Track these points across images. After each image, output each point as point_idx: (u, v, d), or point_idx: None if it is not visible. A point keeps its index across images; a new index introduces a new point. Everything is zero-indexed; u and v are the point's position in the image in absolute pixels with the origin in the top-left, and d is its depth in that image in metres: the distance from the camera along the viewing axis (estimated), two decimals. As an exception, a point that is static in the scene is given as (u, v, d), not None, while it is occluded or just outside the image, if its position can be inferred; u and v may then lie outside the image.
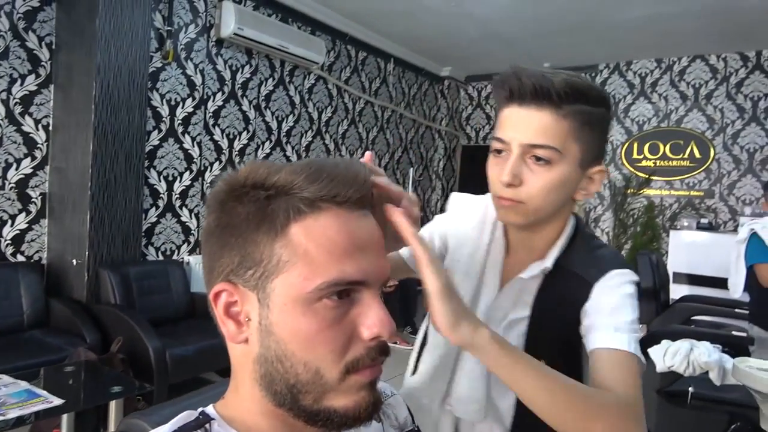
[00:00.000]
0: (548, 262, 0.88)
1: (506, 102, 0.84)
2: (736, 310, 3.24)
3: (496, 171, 0.85)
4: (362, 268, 0.52)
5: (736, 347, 2.63)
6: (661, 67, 5.86)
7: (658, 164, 5.85)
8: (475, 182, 6.28)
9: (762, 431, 1.74)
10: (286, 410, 0.53)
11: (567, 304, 0.86)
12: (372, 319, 0.52)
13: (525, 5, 4.49)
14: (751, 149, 5.43)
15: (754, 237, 2.85)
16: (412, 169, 6.37)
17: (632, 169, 5.97)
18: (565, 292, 0.87)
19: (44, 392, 2.15)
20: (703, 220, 5.27)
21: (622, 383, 0.76)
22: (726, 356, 2.47)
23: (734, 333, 2.94)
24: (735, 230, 4.85)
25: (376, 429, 0.67)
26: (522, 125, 0.82)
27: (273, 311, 0.51)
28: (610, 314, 0.81)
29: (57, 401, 2.08)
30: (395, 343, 4.69)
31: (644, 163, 5.93)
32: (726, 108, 5.53)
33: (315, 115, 5.07)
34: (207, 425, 0.54)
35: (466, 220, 1.01)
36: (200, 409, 0.56)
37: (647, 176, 5.65)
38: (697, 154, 5.63)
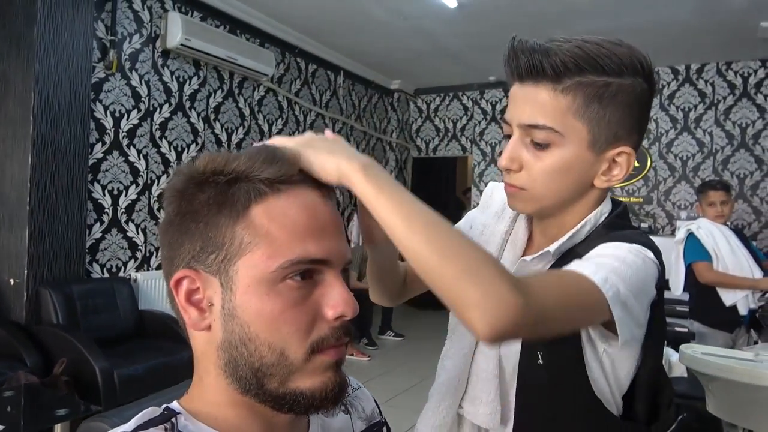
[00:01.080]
0: (552, 246, 0.77)
1: (510, 80, 0.76)
2: (677, 307, 3.41)
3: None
4: (324, 247, 0.53)
5: (679, 342, 2.77)
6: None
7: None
8: (427, 193, 6.32)
9: (708, 417, 1.83)
10: (252, 396, 0.53)
11: None
12: (335, 298, 0.53)
13: (470, 20, 4.63)
14: (684, 157, 5.76)
15: (691, 237, 3.02)
16: (364, 180, 6.39)
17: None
18: None
19: (-19, 419, 2.02)
20: (644, 225, 5.53)
21: (543, 281, 0.64)
22: (670, 350, 2.58)
23: (676, 329, 3.09)
24: (673, 234, 5.11)
25: (344, 420, 0.67)
26: (519, 104, 0.74)
27: (236, 294, 0.51)
28: (587, 257, 0.69)
29: (-4, 428, 1.96)
30: (351, 355, 4.66)
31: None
32: (660, 118, 5.85)
33: (265, 128, 5.02)
34: (173, 419, 0.52)
35: (488, 209, 0.93)
36: (164, 405, 0.55)
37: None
38: (635, 163, 5.92)
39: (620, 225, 0.79)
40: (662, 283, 0.74)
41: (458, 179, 7.99)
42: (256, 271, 0.51)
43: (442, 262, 0.55)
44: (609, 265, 0.67)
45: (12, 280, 3.17)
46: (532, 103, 0.72)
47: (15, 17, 3.14)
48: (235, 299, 0.51)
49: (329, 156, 0.56)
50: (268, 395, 0.52)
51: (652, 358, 0.76)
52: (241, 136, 4.77)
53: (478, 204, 0.99)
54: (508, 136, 0.77)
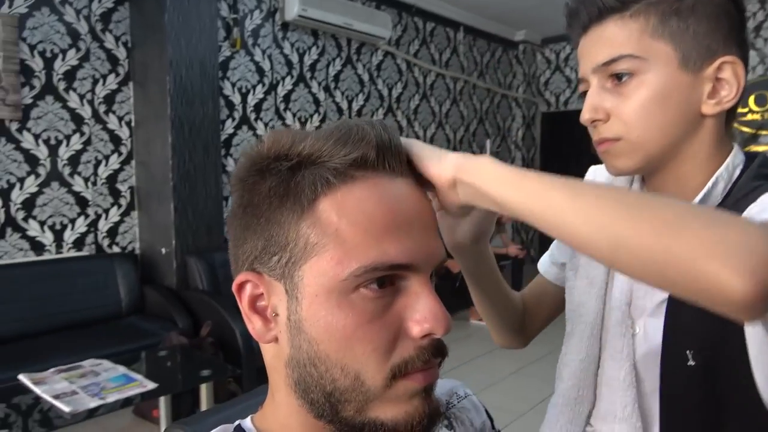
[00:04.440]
0: None
1: (577, 37, 0.69)
2: None
3: None
4: (407, 248, 0.43)
5: None
6: (765, 9, 5.22)
7: (766, 117, 5.25)
8: (558, 150, 5.88)
9: None
10: (327, 422, 0.45)
11: None
12: (422, 311, 0.43)
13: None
14: None
15: None
16: (488, 140, 6.14)
17: (736, 125, 5.40)
18: None
19: (140, 376, 2.25)
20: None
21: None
22: None
23: None
24: None
25: None
26: (589, 51, 0.66)
27: (302, 304, 0.43)
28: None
29: (151, 385, 2.17)
30: (468, 320, 4.55)
31: (750, 116, 5.34)
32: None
33: (385, 92, 4.98)
34: None
35: None
36: (237, 423, 0.50)
37: (754, 131, 5.09)
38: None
39: None
40: None
41: (593, 133, 7.39)
42: (324, 278, 0.42)
43: (639, 225, 0.41)
44: None
45: (164, 250, 3.49)
46: (602, 41, 0.64)
47: (149, 6, 3.36)
48: (301, 311, 0.43)
49: (442, 151, 0.50)
50: (344, 423, 0.44)
51: None
52: (362, 102, 4.77)
53: None
54: (584, 94, 0.68)
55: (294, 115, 4.26)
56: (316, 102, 4.41)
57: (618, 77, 0.63)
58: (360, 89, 4.75)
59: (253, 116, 3.97)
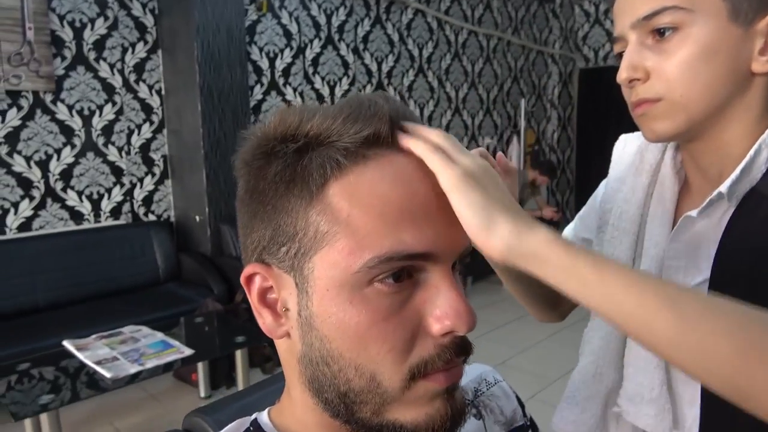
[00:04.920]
0: (724, 186, 0.59)
1: None
2: None
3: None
4: (426, 235, 0.39)
5: None
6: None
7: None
8: (597, 108, 5.62)
9: None
10: (343, 422, 0.43)
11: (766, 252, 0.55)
12: (443, 307, 0.39)
13: None
14: None
15: None
16: (523, 100, 5.95)
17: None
18: (765, 233, 0.56)
19: (177, 343, 2.31)
20: None
21: None
22: None
23: None
24: None
25: (476, 427, 0.55)
26: (630, 4, 0.61)
27: (313, 299, 0.40)
28: None
29: (188, 351, 2.22)
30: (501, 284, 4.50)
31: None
32: None
33: (416, 52, 4.84)
34: None
35: (623, 159, 0.76)
36: (254, 416, 0.48)
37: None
38: None
39: None
40: None
41: (634, 89, 7.07)
42: (335, 271, 0.39)
43: (725, 341, 0.40)
44: None
45: (197, 217, 3.54)
46: None
47: (174, -30, 3.31)
48: (312, 306, 0.40)
49: (488, 211, 0.40)
50: (360, 425, 0.42)
51: None
52: (392, 63, 4.66)
53: None
54: (619, 55, 0.64)
55: (323, 78, 4.19)
56: (345, 65, 4.32)
57: (660, 33, 0.59)
58: (390, 50, 4.63)
59: (281, 81, 3.93)
